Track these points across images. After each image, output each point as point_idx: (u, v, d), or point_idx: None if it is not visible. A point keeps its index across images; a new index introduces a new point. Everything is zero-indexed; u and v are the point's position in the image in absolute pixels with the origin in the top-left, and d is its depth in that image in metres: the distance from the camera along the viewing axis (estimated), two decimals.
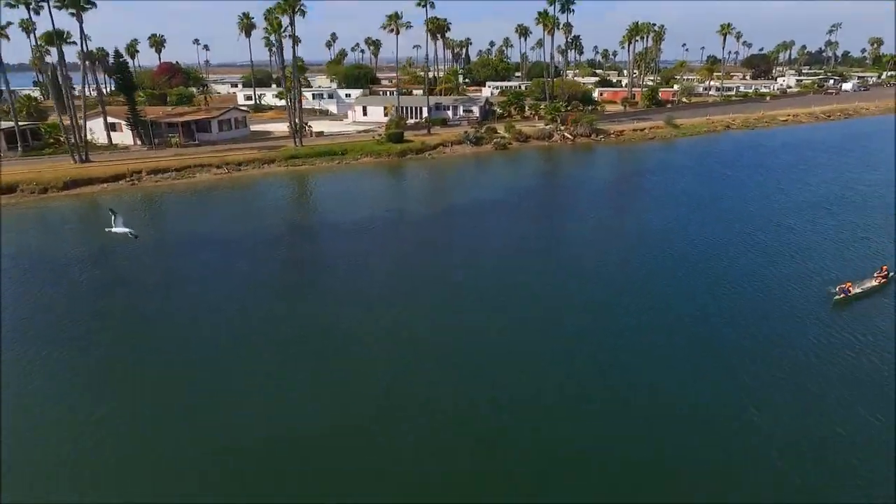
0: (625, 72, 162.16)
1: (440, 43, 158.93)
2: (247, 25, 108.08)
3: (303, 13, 70.08)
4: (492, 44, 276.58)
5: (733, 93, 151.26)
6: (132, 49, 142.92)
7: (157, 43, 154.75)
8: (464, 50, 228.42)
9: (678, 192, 54.30)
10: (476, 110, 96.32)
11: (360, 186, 58.11)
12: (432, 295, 31.27)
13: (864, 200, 50.04)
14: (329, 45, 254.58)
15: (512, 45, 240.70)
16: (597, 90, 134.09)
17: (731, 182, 58.43)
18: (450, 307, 29.60)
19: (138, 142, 72.04)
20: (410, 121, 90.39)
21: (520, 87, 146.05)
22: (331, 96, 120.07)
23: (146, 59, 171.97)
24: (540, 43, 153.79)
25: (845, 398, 21.56)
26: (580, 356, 24.95)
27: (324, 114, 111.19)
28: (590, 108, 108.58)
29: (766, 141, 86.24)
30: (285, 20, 70.02)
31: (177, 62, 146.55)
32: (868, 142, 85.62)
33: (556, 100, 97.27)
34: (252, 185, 57.95)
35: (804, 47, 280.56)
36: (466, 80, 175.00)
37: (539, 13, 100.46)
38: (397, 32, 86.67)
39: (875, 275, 30.60)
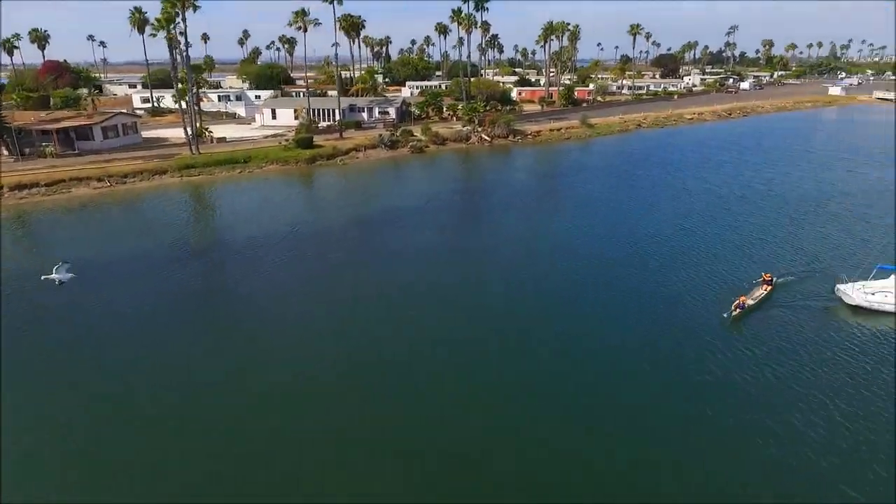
0: (543, 71, 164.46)
1: (359, 41, 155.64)
2: (139, 21, 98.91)
3: (194, 8, 64.25)
4: (413, 42, 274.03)
5: (644, 91, 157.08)
6: (9, 45, 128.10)
7: (40, 38, 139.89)
8: (384, 48, 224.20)
9: (589, 195, 54.00)
10: (392, 112, 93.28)
11: (263, 198, 53.64)
12: (337, 318, 28.28)
13: (761, 199, 51.65)
14: (241, 42, 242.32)
15: (433, 44, 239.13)
16: (515, 89, 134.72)
17: (641, 183, 58.92)
18: (353, 330, 26.72)
19: (5, 152, 63.46)
20: (323, 124, 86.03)
21: (440, 86, 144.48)
22: (239, 98, 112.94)
23: (32, 56, 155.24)
24: (461, 41, 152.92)
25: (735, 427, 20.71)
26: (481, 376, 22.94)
27: (231, 117, 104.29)
28: (508, 107, 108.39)
29: (674, 139, 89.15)
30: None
31: (64, 60, 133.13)
32: (764, 139, 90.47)
33: (473, 100, 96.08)
34: (137, 200, 52.07)
35: (706, 48, 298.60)
36: (387, 80, 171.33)
37: (453, 11, 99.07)
38: (305, 30, 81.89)
39: (760, 282, 30.40)
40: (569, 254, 38.04)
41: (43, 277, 29.07)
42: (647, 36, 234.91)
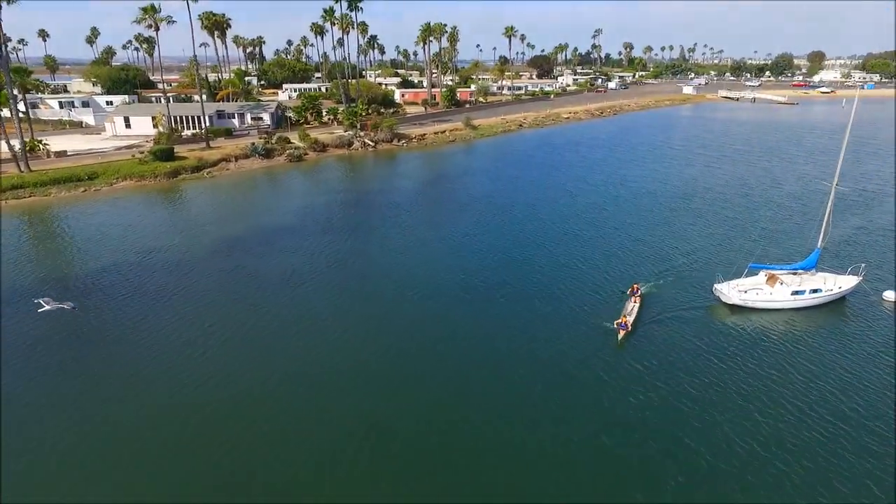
0: (425, 72, 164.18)
1: (226, 41, 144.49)
2: None
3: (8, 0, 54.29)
4: (289, 42, 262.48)
5: (523, 92, 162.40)
6: None
7: None
8: (257, 49, 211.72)
9: (474, 201, 52.29)
10: (267, 117, 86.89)
11: (108, 221, 46.07)
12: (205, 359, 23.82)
13: (635, 197, 53.64)
14: (90, 41, 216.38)
15: (312, 45, 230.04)
16: (398, 91, 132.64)
17: (524, 186, 58.97)
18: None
19: None
20: (187, 132, 77.80)
21: (319, 89, 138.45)
22: (86, 104, 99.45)
23: None
24: (340, 42, 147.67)
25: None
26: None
27: (77, 126, 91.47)
28: (392, 110, 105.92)
29: (553, 139, 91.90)
30: None
31: None
32: (632, 137, 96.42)
33: (355, 103, 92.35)
34: None
35: (576, 49, 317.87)
36: (262, 83, 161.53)
37: (325, 11, 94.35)
38: (157, 28, 73.25)
39: (630, 295, 29.57)
40: (451, 266, 36.16)
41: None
42: (522, 38, 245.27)
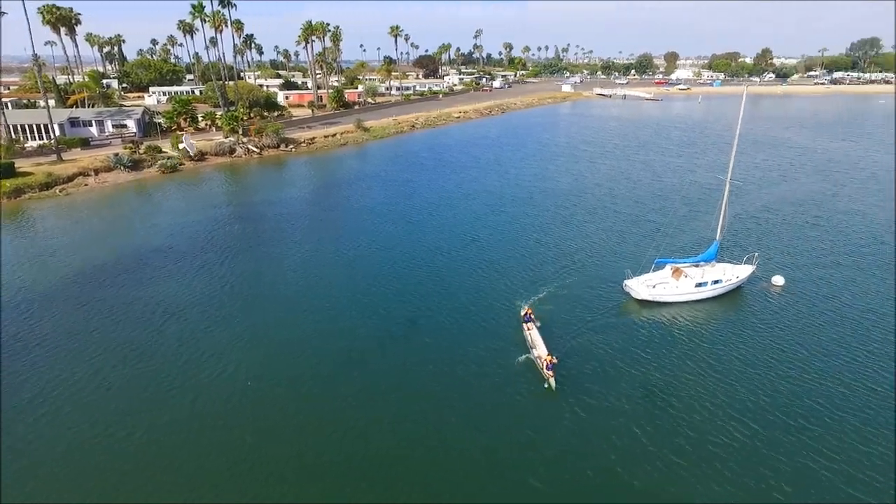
0: (309, 73, 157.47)
1: (75, 39, 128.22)
2: None
3: None
4: (154, 42, 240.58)
5: (412, 92, 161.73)
6: None
7: None
8: (115, 48, 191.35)
9: (367, 209, 49.83)
10: (132, 124, 77.98)
11: None
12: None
13: (530, 197, 54.37)
14: None
15: (181, 44, 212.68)
16: (282, 93, 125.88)
17: (419, 190, 57.46)
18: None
19: None
20: (32, 144, 67.40)
21: (192, 92, 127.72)
22: None
23: None
24: (213, 41, 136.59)
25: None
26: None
27: None
28: (276, 114, 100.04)
29: (446, 139, 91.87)
30: None
31: None
32: (521, 135, 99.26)
33: (234, 107, 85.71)
34: None
35: (458, 49, 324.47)
36: (124, 86, 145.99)
37: (193, 6, 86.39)
38: None
39: (524, 321, 26.96)
40: (346, 284, 33.86)
41: None
42: (406, 38, 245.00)
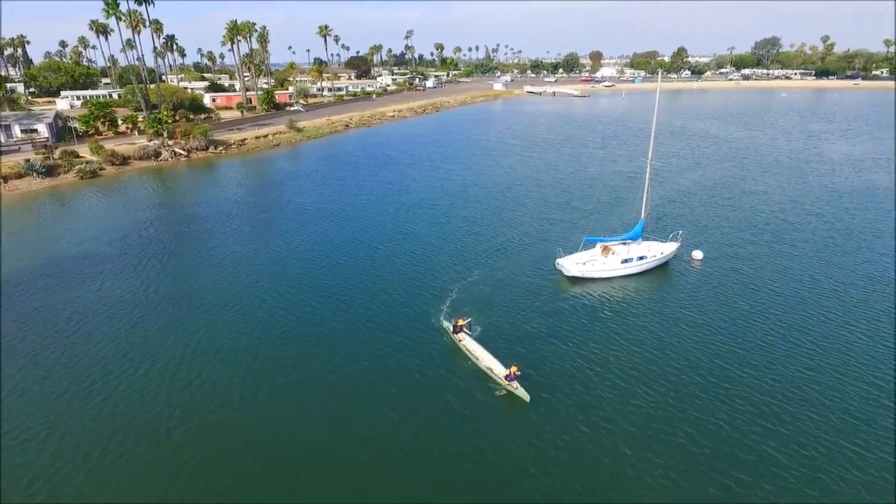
0: (237, 75, 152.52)
1: None
2: None
3: None
4: (63, 44, 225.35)
5: (344, 92, 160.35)
6: None
7: None
8: (18, 50, 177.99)
9: (301, 207, 49.28)
10: (44, 129, 73.18)
11: None
12: None
13: (463, 190, 55.51)
14: None
15: (94, 47, 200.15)
16: (208, 96, 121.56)
17: (354, 188, 57.76)
18: None
19: None
20: None
21: (110, 96, 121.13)
22: None
23: None
24: (131, 43, 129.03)
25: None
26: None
27: None
28: (203, 116, 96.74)
29: (381, 138, 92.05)
30: None
31: None
32: (454, 132, 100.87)
33: (157, 109, 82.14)
34: None
35: (390, 50, 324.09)
36: (31, 91, 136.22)
37: (107, 3, 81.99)
38: None
39: (455, 332, 25.41)
40: (278, 288, 33.78)
41: None
42: (336, 38, 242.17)
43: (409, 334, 26.44)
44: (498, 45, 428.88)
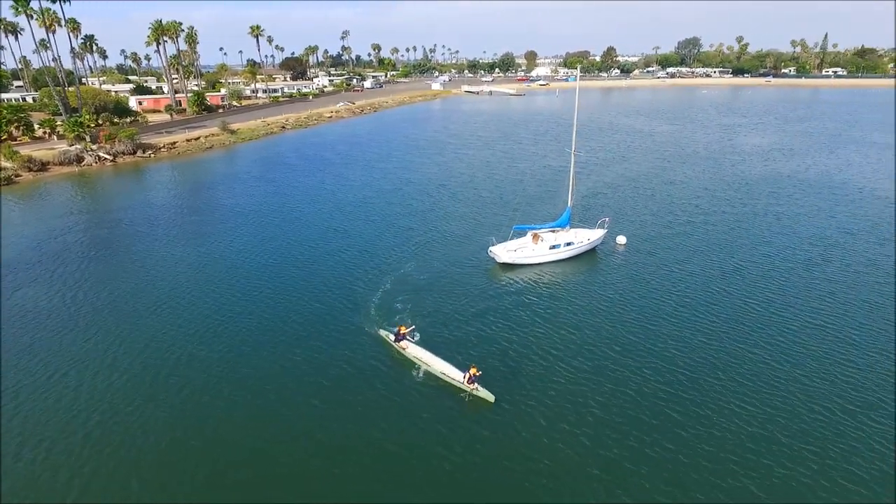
0: (165, 77, 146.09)
1: None
2: None
3: None
4: None
5: (280, 94, 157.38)
6: None
7: None
8: None
9: (232, 211, 48.32)
10: None
11: None
12: None
13: (397, 188, 56.06)
14: None
15: (2, 47, 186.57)
16: (133, 98, 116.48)
17: (285, 188, 57.53)
18: None
19: None
20: None
21: (24, 99, 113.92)
22: None
23: None
24: (45, 44, 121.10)
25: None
26: None
27: None
28: (129, 119, 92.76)
29: (317, 138, 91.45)
30: None
31: None
32: (391, 131, 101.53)
33: (78, 113, 78.18)
34: None
35: (326, 51, 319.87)
36: None
37: (16, 0, 77.27)
38: None
39: (396, 340, 24.39)
40: (215, 281, 33.84)
41: None
42: (270, 39, 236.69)
43: (346, 341, 25.53)
44: (435, 45, 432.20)
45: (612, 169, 62.93)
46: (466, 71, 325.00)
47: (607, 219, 39.11)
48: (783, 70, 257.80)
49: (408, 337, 24.54)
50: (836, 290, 30.40)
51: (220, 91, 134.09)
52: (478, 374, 21.33)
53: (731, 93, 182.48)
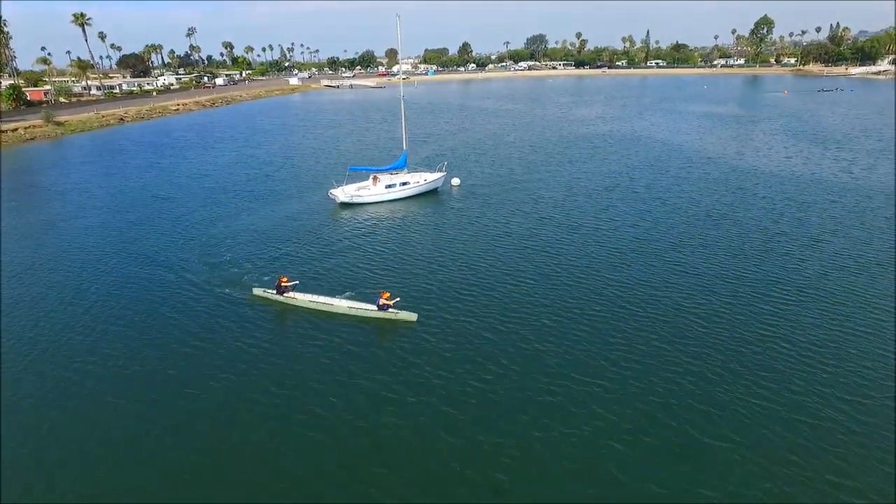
0: None
1: None
2: None
3: None
4: None
5: (118, 90, 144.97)
6: None
7: None
8: None
9: (58, 196, 46.08)
10: None
11: None
12: None
13: (236, 162, 56.27)
14: None
15: None
16: None
17: (117, 171, 54.90)
18: None
19: None
20: None
21: None
22: None
23: None
24: None
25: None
26: None
27: None
28: None
29: (158, 128, 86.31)
30: None
31: None
32: (240, 121, 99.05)
33: None
34: None
35: (172, 51, 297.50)
36: None
37: None
38: None
39: (279, 293, 22.12)
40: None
41: None
42: (103, 37, 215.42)
43: (223, 314, 21.43)
44: (293, 44, 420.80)
45: (456, 138, 67.80)
46: (327, 68, 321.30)
47: (445, 163, 42.74)
48: (617, 63, 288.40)
49: (288, 286, 22.16)
50: (629, 215, 36.65)
51: (44, 87, 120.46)
52: (390, 299, 20.58)
53: (575, 81, 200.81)
